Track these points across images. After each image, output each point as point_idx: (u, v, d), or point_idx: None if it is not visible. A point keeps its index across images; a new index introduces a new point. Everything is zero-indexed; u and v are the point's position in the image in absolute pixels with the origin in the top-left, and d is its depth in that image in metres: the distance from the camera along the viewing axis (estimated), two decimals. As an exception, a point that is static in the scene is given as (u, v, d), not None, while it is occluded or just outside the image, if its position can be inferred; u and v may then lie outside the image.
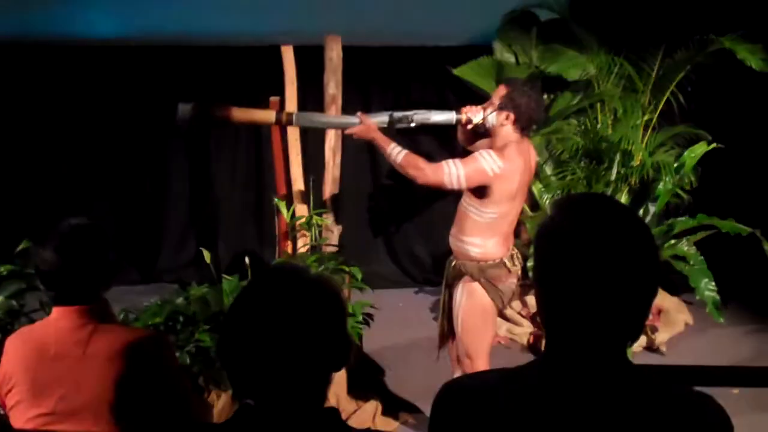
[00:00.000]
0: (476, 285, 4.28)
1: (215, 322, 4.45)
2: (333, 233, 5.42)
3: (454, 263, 4.47)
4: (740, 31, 6.05)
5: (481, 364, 4.31)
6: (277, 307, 1.59)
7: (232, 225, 7.93)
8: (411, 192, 7.83)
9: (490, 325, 4.38)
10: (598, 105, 6.52)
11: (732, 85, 6.70)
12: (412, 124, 4.46)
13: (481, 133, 4.31)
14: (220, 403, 4.46)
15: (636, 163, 6.32)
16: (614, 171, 6.27)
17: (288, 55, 5.46)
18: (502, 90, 4.14)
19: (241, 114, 4.50)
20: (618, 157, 6.26)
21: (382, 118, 4.42)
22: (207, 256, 4.85)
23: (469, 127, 4.30)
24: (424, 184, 4.20)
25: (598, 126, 6.47)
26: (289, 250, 5.36)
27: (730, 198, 6.74)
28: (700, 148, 6.13)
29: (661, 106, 6.47)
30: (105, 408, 2.26)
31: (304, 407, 1.62)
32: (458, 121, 4.32)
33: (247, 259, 4.92)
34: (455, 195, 7.80)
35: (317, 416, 1.63)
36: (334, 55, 5.40)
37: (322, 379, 1.64)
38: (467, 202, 4.28)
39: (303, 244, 5.36)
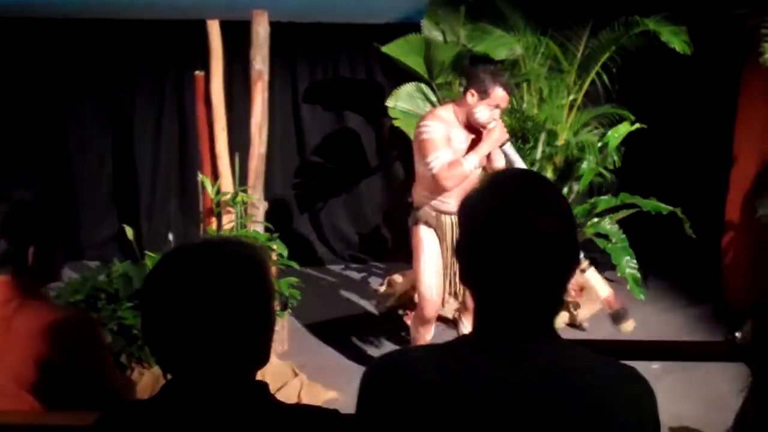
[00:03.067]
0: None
1: (138, 300, 4.40)
2: (259, 210, 5.38)
3: None
4: (664, 13, 6.13)
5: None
6: (195, 277, 1.55)
7: (155, 202, 7.80)
8: (338, 170, 7.82)
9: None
10: (525, 84, 6.55)
11: (655, 67, 6.80)
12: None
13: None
14: (144, 381, 4.43)
15: (561, 142, 6.37)
16: (539, 150, 6.32)
17: (214, 29, 5.38)
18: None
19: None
20: (543, 136, 6.31)
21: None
22: (129, 232, 4.79)
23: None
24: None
25: (524, 105, 6.51)
26: (214, 226, 5.30)
27: (653, 177, 6.85)
28: (624, 128, 6.21)
29: (586, 87, 6.52)
30: (28, 386, 2.21)
31: (231, 382, 1.59)
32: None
33: (170, 236, 4.87)
34: (383, 174, 7.86)
35: (245, 391, 1.60)
36: (260, 30, 5.35)
37: (248, 353, 1.61)
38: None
39: (228, 221, 5.32)
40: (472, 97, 4.40)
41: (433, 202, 4.58)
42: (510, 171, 1.62)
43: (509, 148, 4.52)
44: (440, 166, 4.29)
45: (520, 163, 4.61)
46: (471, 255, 1.53)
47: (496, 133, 4.42)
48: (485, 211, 1.51)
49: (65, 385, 2.27)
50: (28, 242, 2.34)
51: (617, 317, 4.85)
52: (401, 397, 1.51)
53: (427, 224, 4.64)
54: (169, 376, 1.61)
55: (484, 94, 4.37)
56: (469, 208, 1.55)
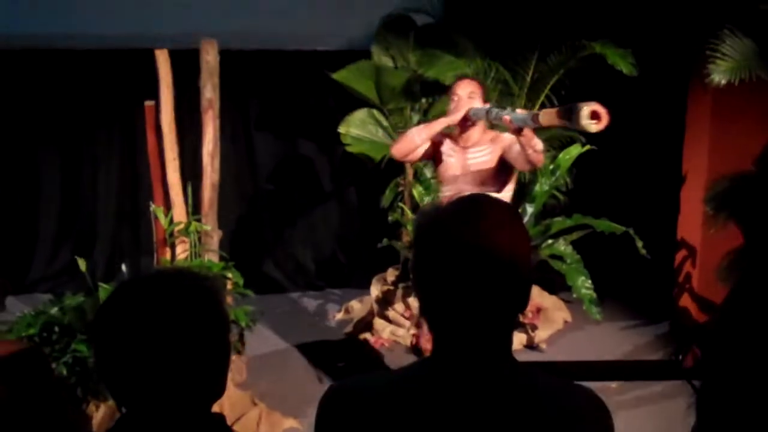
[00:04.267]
0: None
1: (90, 332, 4.34)
2: (213, 239, 5.34)
3: None
4: (610, 36, 6.23)
5: None
6: (149, 309, 1.52)
7: (107, 233, 7.71)
8: (292, 197, 7.80)
9: None
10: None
11: (603, 89, 6.87)
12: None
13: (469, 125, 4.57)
14: (99, 414, 4.37)
15: (513, 165, 6.42)
16: (492, 173, 6.36)
17: (163, 58, 5.34)
18: (476, 84, 4.60)
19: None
20: (495, 159, 6.35)
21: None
22: (82, 264, 4.72)
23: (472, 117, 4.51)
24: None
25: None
26: (168, 257, 5.25)
27: (604, 198, 6.92)
28: (575, 150, 6.28)
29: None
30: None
31: (188, 414, 1.56)
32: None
33: (123, 267, 4.81)
34: (337, 200, 7.85)
35: (202, 423, 1.58)
36: (210, 58, 5.33)
37: (204, 385, 1.58)
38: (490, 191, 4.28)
39: (182, 251, 5.27)
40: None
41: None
42: (463, 197, 1.61)
43: (496, 111, 4.30)
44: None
45: (511, 115, 4.16)
46: (425, 281, 1.52)
47: (452, 112, 4.55)
48: (437, 236, 1.50)
49: (15, 421, 2.22)
50: None
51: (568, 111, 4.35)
52: (358, 423, 1.50)
53: None
54: (123, 410, 1.58)
55: (450, 92, 4.62)
56: (422, 235, 1.55)
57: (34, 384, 2.25)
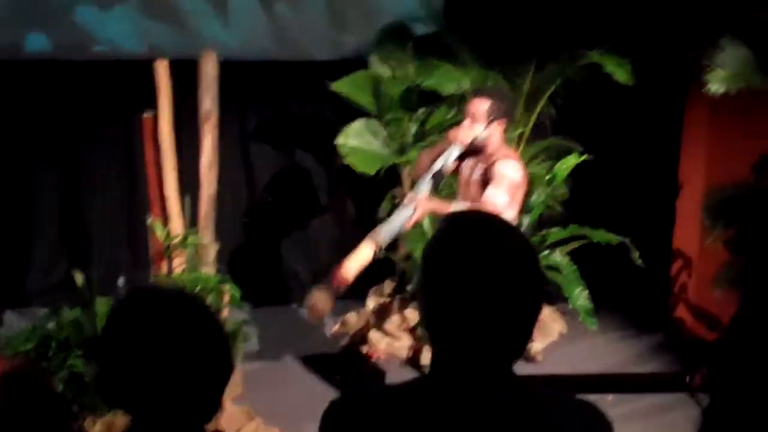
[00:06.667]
0: None
1: (89, 347, 4.33)
2: (210, 252, 5.33)
3: None
4: (607, 45, 6.23)
5: None
6: (158, 325, 1.55)
7: (104, 246, 7.66)
8: (289, 208, 7.78)
9: None
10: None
11: (601, 98, 6.89)
12: (443, 172, 4.62)
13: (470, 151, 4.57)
14: (96, 430, 4.35)
15: (510, 175, 6.41)
16: (489, 184, 6.36)
17: (162, 70, 5.33)
18: (483, 103, 4.43)
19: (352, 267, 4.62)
20: (492, 170, 6.35)
21: (427, 186, 4.56)
22: (79, 278, 4.72)
23: (467, 146, 4.50)
24: None
25: (473, 139, 6.55)
26: (165, 270, 5.24)
27: (601, 208, 6.91)
28: (572, 160, 6.26)
29: (533, 120, 6.60)
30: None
31: (189, 429, 1.57)
32: (462, 150, 4.53)
33: (120, 281, 4.81)
34: (335, 213, 7.84)
35: None
36: (209, 69, 5.33)
37: (203, 400, 1.58)
38: (489, 195, 4.36)
39: (179, 264, 5.26)
40: None
41: None
42: (469, 213, 1.63)
43: (440, 162, 4.57)
44: None
45: (451, 156, 4.60)
46: (433, 298, 1.52)
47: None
48: (447, 253, 1.51)
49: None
50: None
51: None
52: None
53: None
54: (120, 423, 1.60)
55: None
56: (430, 252, 1.55)
57: (36, 400, 2.25)
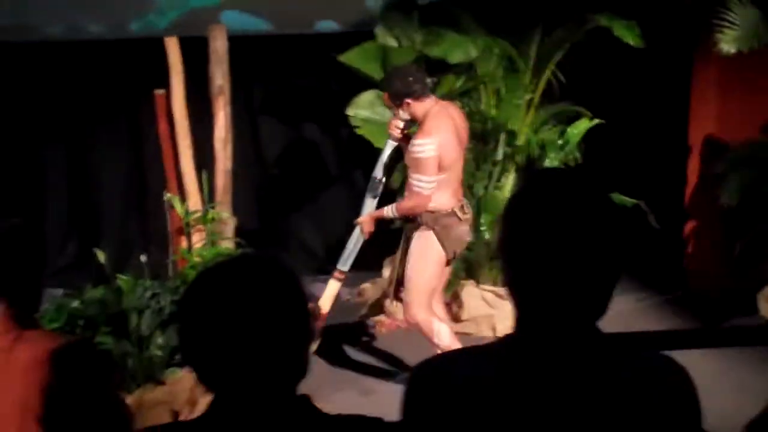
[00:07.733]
0: (430, 233, 4.70)
1: (115, 324, 4.36)
2: (228, 226, 5.34)
3: None
4: (614, 9, 6.20)
5: (417, 310, 4.78)
6: (235, 293, 1.55)
7: (115, 224, 7.67)
8: (299, 181, 7.76)
9: (436, 274, 4.82)
10: (482, 86, 6.58)
11: (610, 62, 6.86)
12: (383, 180, 5.14)
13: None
14: (126, 407, 4.36)
15: (521, 142, 6.41)
16: (500, 151, 6.36)
17: (173, 47, 5.32)
18: (385, 97, 4.95)
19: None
20: (503, 137, 6.35)
21: (371, 202, 5.13)
22: (101, 255, 4.75)
23: (405, 132, 4.89)
24: (424, 209, 4.67)
25: (482, 107, 6.54)
26: (185, 246, 5.25)
27: (614, 171, 6.91)
28: (583, 125, 6.26)
29: (542, 85, 6.58)
30: (30, 417, 2.17)
31: (275, 395, 1.58)
32: (397, 139, 4.96)
33: (143, 258, 4.82)
34: (345, 184, 7.81)
35: (291, 404, 1.60)
36: (219, 45, 5.31)
37: (289, 365, 1.59)
38: (413, 178, 4.70)
39: (198, 240, 5.26)
40: None
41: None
42: (551, 170, 1.62)
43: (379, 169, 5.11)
44: None
45: (385, 155, 5.14)
46: (518, 256, 1.52)
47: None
48: (532, 210, 1.50)
49: (71, 412, 2.23)
50: (20, 270, 2.31)
51: None
52: (450, 397, 1.52)
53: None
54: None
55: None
56: (514, 209, 1.55)
57: (88, 375, 2.27)
